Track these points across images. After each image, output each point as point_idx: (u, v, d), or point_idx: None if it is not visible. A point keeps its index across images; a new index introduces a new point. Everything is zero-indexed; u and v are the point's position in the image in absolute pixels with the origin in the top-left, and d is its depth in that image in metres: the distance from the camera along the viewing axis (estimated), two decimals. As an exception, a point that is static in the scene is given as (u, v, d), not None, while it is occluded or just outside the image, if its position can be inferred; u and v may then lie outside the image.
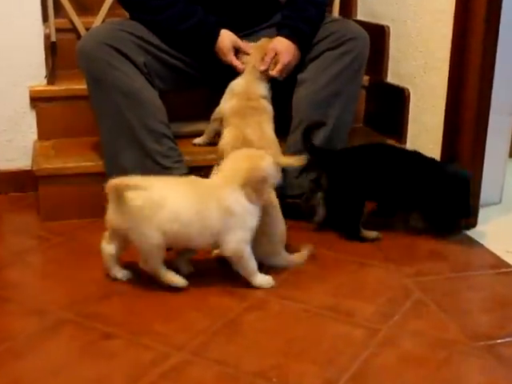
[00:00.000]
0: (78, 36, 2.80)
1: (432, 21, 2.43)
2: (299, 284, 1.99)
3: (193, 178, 1.99)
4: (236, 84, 2.33)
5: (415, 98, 2.57)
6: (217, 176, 1.93)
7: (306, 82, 2.38)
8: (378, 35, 2.74)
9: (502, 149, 2.51)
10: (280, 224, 2.07)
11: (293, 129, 2.41)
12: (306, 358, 1.62)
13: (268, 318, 1.82)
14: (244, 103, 2.28)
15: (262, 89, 2.32)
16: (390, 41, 2.72)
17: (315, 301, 1.89)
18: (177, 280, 1.92)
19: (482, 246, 2.28)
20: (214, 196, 1.88)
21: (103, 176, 2.31)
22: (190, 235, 1.88)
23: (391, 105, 2.69)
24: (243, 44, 2.34)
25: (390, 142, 2.67)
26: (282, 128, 2.35)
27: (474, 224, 2.41)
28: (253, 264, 1.93)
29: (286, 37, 2.33)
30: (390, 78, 2.73)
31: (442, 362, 1.63)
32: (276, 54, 2.30)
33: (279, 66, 2.30)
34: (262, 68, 2.30)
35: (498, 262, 2.16)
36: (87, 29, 2.67)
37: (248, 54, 2.32)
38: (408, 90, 2.59)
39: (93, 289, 1.93)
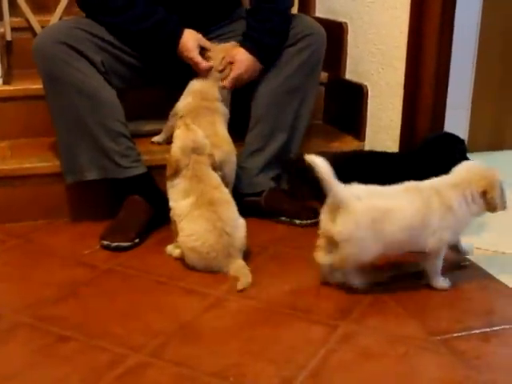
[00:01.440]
0: (34, 35, 2.76)
1: (389, 18, 2.44)
2: (257, 282, 1.98)
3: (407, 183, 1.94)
4: (193, 83, 2.32)
5: (373, 94, 2.58)
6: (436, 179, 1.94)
7: (265, 80, 2.37)
8: (337, 32, 2.74)
9: (460, 144, 2.52)
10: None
11: (251, 126, 2.40)
12: (264, 357, 1.62)
13: (227, 317, 1.81)
14: (198, 103, 2.27)
15: (218, 91, 2.31)
16: (348, 38, 2.72)
17: (274, 299, 1.89)
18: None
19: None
20: (437, 196, 1.88)
21: (60, 176, 2.30)
22: (410, 241, 1.88)
23: (350, 102, 2.70)
24: (208, 43, 2.32)
25: (349, 139, 2.68)
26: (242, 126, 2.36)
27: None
28: (440, 264, 1.94)
29: (248, 49, 2.31)
30: (349, 75, 2.74)
31: (400, 357, 1.64)
32: (232, 63, 2.30)
33: (229, 78, 2.31)
34: (219, 70, 2.31)
35: (458, 257, 2.17)
36: (43, 27, 2.63)
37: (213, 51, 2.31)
38: (366, 86, 2.60)
39: (49, 291, 1.90)
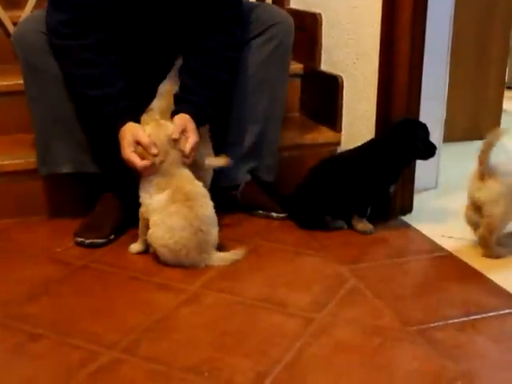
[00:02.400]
0: (5, 31, 2.73)
1: (362, 8, 2.42)
2: (234, 275, 1.97)
3: None
4: (162, 85, 2.25)
5: (348, 85, 2.56)
6: None
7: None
8: (311, 23, 2.72)
9: (436, 134, 2.51)
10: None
11: (223, 120, 2.37)
12: (239, 351, 1.60)
13: (202, 311, 1.79)
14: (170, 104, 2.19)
15: None
16: (323, 28, 2.70)
17: (250, 292, 1.87)
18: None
19: (417, 231, 2.30)
20: None
21: (33, 173, 2.27)
22: None
23: (325, 93, 2.68)
24: (145, 141, 1.98)
25: (325, 130, 2.66)
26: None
27: (409, 209, 2.42)
28: None
29: (190, 115, 2.08)
30: (324, 66, 2.72)
31: (376, 348, 1.63)
32: (184, 131, 2.04)
33: (190, 147, 2.03)
34: (174, 137, 2.01)
35: (433, 247, 2.18)
36: (14, 23, 2.60)
37: (153, 154, 1.98)
38: (341, 77, 2.58)
39: (21, 289, 1.87)
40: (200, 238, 1.98)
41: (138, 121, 2.05)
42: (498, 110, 3.36)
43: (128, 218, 2.21)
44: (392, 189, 2.27)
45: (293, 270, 2.03)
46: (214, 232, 2.03)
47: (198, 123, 2.09)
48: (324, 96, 2.69)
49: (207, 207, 2.04)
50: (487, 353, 1.63)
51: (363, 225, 2.26)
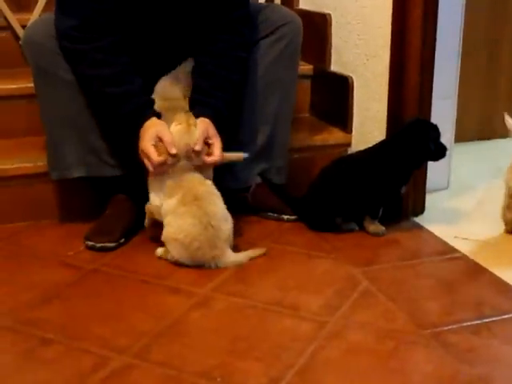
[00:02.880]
0: (14, 34, 2.73)
1: (372, 7, 2.40)
2: (245, 279, 1.95)
3: None
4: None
5: (359, 85, 2.55)
6: None
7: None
8: (320, 24, 2.71)
9: (447, 133, 2.49)
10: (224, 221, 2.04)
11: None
12: (251, 356, 1.59)
13: (213, 315, 1.78)
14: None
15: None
16: (332, 29, 2.68)
17: (261, 295, 1.86)
18: None
19: (430, 232, 2.28)
20: None
21: (44, 177, 2.26)
22: None
23: (335, 94, 2.66)
24: (168, 139, 1.97)
25: (336, 131, 2.65)
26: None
27: (422, 210, 2.40)
28: None
29: (210, 118, 2.06)
30: (334, 67, 2.70)
31: (390, 352, 1.61)
32: (208, 137, 2.04)
33: (217, 151, 2.04)
34: (197, 149, 2.00)
35: (446, 248, 2.16)
36: (23, 26, 2.60)
37: (171, 154, 1.97)
38: (351, 78, 2.56)
39: (32, 294, 1.86)
40: (210, 233, 1.97)
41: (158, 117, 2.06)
42: (510, 109, 3.32)
43: (140, 220, 2.20)
44: (403, 190, 2.25)
45: (305, 272, 2.02)
46: (225, 228, 2.01)
47: (216, 126, 2.08)
48: (334, 97, 2.68)
49: (216, 204, 2.03)
50: (503, 356, 1.61)
51: (375, 226, 2.24)
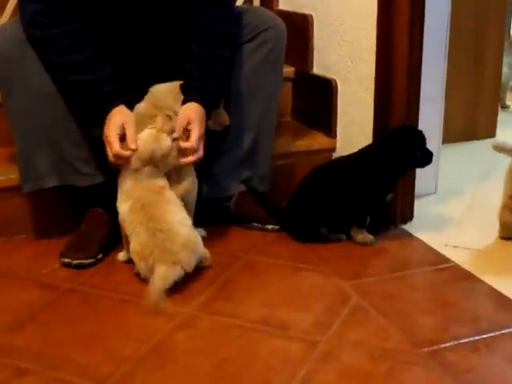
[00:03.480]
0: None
1: (356, 8, 2.32)
2: (230, 296, 1.86)
3: None
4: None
5: (343, 89, 2.46)
6: None
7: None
8: (301, 25, 2.62)
9: (435, 137, 2.43)
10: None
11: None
12: (241, 381, 1.50)
13: (198, 337, 1.68)
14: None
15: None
16: (314, 30, 2.60)
17: (248, 314, 1.77)
18: None
19: (419, 240, 2.21)
20: None
21: (16, 190, 2.15)
22: None
23: (318, 97, 2.58)
24: (131, 133, 1.91)
25: (319, 136, 2.56)
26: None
27: (410, 217, 2.33)
28: None
29: (199, 102, 1.99)
30: (316, 70, 2.62)
31: (385, 374, 1.53)
32: (188, 123, 1.96)
33: (194, 137, 1.94)
34: (175, 136, 1.94)
35: (437, 258, 2.08)
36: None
37: (131, 149, 1.90)
38: (335, 81, 2.48)
39: (4, 317, 1.75)
40: (160, 238, 1.87)
41: (130, 107, 1.98)
42: (495, 110, 3.28)
43: (118, 234, 2.08)
44: (389, 198, 2.18)
45: (292, 287, 1.93)
46: (183, 232, 1.90)
47: (210, 107, 2.02)
48: (317, 100, 2.60)
49: (166, 209, 1.92)
50: (504, 376, 1.53)
51: (363, 236, 2.16)
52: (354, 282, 1.93)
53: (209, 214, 1.99)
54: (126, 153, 1.90)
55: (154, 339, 1.66)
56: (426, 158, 2.12)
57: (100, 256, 2.06)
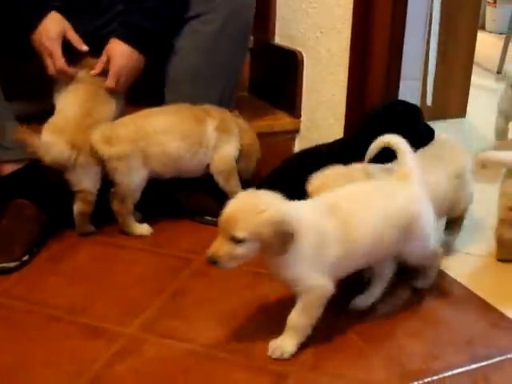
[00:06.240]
0: None
1: (327, -31, 2.03)
2: (179, 311, 1.57)
3: None
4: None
5: (310, 63, 2.18)
6: None
7: (182, 51, 1.96)
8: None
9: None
10: None
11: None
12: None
13: (143, 367, 1.39)
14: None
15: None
16: (278, -6, 2.30)
17: (202, 336, 1.48)
18: None
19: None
20: None
21: None
22: None
23: (281, 71, 2.29)
24: (75, 37, 1.85)
25: (282, 116, 2.27)
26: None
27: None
28: None
29: (124, 39, 1.88)
30: (279, 39, 2.32)
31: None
32: (109, 59, 1.88)
33: (111, 74, 1.87)
34: (94, 73, 1.88)
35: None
36: None
37: (78, 52, 1.86)
38: (301, 53, 2.20)
39: None
40: None
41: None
42: (466, 87, 3.05)
43: (47, 230, 1.81)
44: None
45: (253, 299, 1.63)
46: None
47: (141, 43, 1.89)
48: (279, 75, 2.31)
49: None
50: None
51: None
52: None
53: (156, 207, 1.69)
54: (71, 70, 1.84)
55: (90, 372, 1.37)
56: (428, 135, 1.85)
57: (26, 258, 1.75)
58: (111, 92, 1.89)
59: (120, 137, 1.82)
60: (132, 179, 1.84)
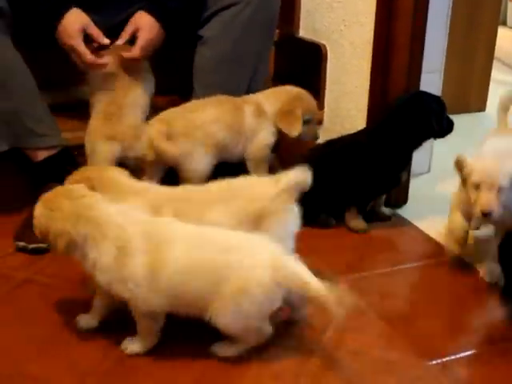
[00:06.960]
0: None
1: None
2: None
3: None
4: None
5: (334, 56, 2.23)
6: None
7: (210, 41, 2.00)
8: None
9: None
10: None
11: (195, 96, 2.02)
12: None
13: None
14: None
15: None
16: (303, -12, 2.35)
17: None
18: None
19: (415, 228, 2.02)
20: None
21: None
22: None
23: (305, 64, 2.34)
24: (96, 31, 1.87)
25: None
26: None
27: (404, 200, 2.12)
28: None
29: (149, 12, 1.91)
30: (304, 33, 2.37)
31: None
32: (136, 30, 1.90)
33: (141, 42, 1.89)
34: (119, 43, 1.90)
35: (436, 249, 1.89)
36: None
37: (100, 44, 1.88)
38: (325, 46, 2.24)
39: None
40: None
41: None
42: (486, 82, 3.07)
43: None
44: (404, 177, 2.00)
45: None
46: None
47: (164, 18, 1.92)
48: (304, 67, 2.36)
49: None
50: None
51: (357, 222, 1.95)
52: (348, 276, 1.72)
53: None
54: (102, 60, 1.87)
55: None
56: (448, 126, 1.92)
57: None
58: (132, 62, 1.92)
59: (179, 133, 1.88)
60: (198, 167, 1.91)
